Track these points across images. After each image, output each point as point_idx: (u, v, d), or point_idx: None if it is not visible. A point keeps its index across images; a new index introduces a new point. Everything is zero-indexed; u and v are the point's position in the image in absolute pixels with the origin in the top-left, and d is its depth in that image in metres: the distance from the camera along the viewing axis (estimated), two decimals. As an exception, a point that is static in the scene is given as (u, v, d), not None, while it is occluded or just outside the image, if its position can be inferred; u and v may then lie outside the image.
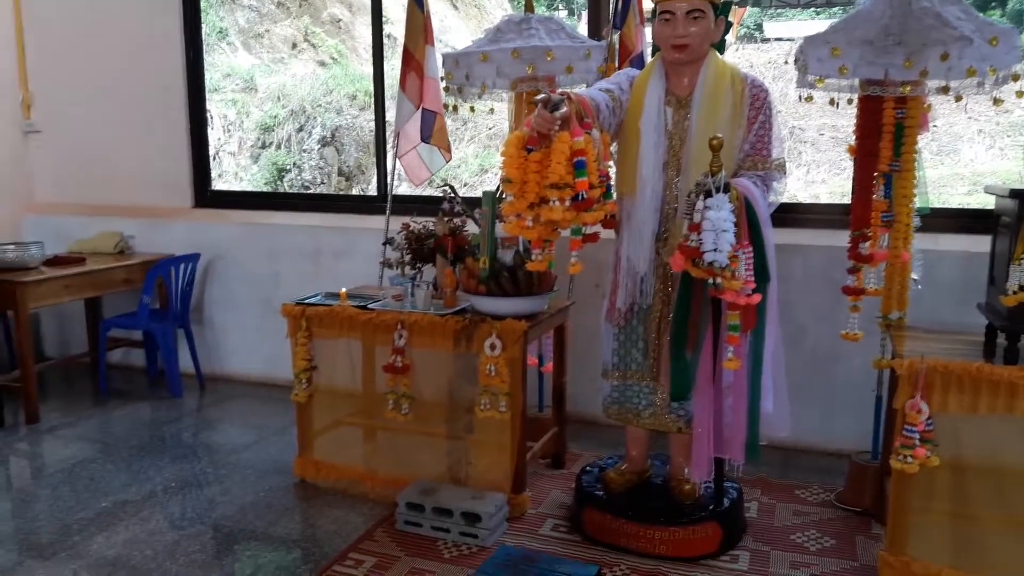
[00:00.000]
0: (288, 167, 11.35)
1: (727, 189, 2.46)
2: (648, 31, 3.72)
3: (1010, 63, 2.75)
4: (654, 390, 2.89)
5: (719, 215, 2.42)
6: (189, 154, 5.10)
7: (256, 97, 12.00)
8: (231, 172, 11.08)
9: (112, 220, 5.07)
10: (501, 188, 3.02)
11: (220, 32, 11.73)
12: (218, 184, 8.74)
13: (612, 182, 2.67)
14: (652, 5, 2.83)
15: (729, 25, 2.85)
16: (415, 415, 3.23)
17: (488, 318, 3.06)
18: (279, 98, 11.80)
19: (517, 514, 3.10)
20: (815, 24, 14.40)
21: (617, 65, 3.56)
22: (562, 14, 13.32)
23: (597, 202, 2.43)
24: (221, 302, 4.96)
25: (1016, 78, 2.77)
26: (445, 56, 3.61)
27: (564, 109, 2.37)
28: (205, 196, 5.18)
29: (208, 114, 5.24)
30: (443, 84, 3.70)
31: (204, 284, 4.95)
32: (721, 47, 2.91)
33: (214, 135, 10.45)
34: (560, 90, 2.63)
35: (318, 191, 10.73)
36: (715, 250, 2.40)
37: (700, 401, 2.68)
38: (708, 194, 2.45)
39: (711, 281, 2.44)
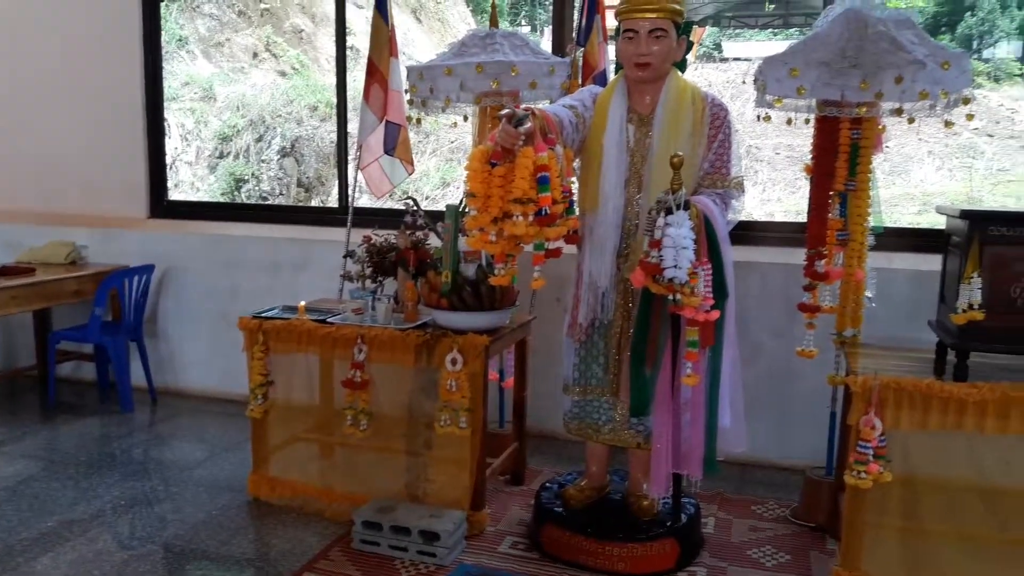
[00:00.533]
0: (246, 177, 11.23)
1: (687, 207, 2.48)
2: (611, 49, 3.76)
3: (961, 87, 2.82)
4: (614, 405, 2.89)
5: (679, 232, 2.44)
6: (145, 163, 5.01)
7: (215, 106, 11.86)
8: (188, 182, 10.93)
9: (64, 229, 4.94)
10: (464, 202, 3.01)
11: (180, 40, 11.58)
12: (174, 194, 8.61)
13: (575, 198, 2.68)
14: (616, 23, 2.86)
15: (691, 44, 2.88)
16: (373, 431, 3.19)
17: (449, 332, 3.04)
18: (238, 108, 11.69)
19: (476, 532, 3.08)
20: (772, 45, 14.70)
21: (580, 82, 3.58)
22: (525, 30, 13.42)
23: (560, 217, 2.43)
24: (176, 315, 4.86)
25: (966, 101, 2.85)
26: (410, 69, 3.60)
27: (528, 124, 2.37)
28: (161, 206, 5.09)
29: (165, 123, 5.15)
30: (407, 97, 3.68)
31: (158, 296, 4.85)
32: (683, 66, 2.94)
33: (171, 144, 10.29)
34: (524, 105, 2.64)
35: (276, 202, 10.62)
36: (675, 267, 2.42)
37: (659, 417, 2.70)
38: (669, 211, 2.48)
39: (671, 297, 2.46)
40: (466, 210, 2.72)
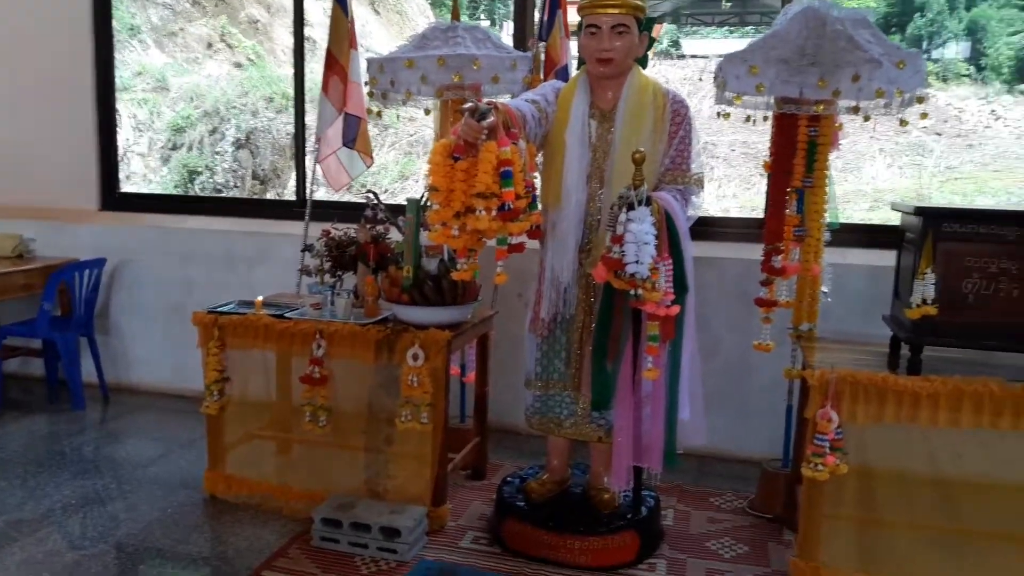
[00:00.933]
0: (200, 169, 11.03)
1: (649, 202, 2.50)
2: (573, 44, 3.76)
3: (915, 85, 2.88)
4: (575, 400, 2.90)
5: (641, 228, 2.45)
6: (97, 153, 4.89)
7: (168, 97, 11.61)
8: (140, 174, 10.69)
9: (10, 222, 4.79)
10: (426, 196, 2.99)
11: (131, 29, 11.31)
12: (126, 186, 8.39)
13: (537, 193, 2.68)
14: (578, 19, 2.86)
15: (652, 41, 2.89)
16: (332, 428, 3.15)
17: (411, 328, 3.02)
18: (192, 98, 11.46)
19: (437, 527, 3.06)
20: (728, 43, 14.86)
21: (542, 77, 3.58)
22: (484, 24, 13.35)
23: (523, 212, 2.43)
24: (128, 309, 4.75)
25: (920, 100, 2.91)
26: (370, 61, 3.56)
27: (491, 119, 2.36)
28: (113, 198, 4.96)
29: (117, 114, 5.02)
30: (367, 89, 3.64)
31: (110, 290, 4.74)
32: (644, 62, 2.95)
33: (123, 135, 10.05)
34: (487, 99, 2.62)
35: (231, 195, 10.45)
36: (637, 262, 2.44)
37: (620, 411, 2.71)
38: (631, 207, 2.49)
39: (632, 292, 2.47)
40: (428, 204, 2.70)
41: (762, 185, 10.39)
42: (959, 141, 10.59)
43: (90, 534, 3.03)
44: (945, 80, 12.53)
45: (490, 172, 2.34)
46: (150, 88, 11.49)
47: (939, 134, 10.43)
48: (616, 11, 2.73)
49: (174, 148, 11.24)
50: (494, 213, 2.36)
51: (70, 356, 4.33)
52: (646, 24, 2.83)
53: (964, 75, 12.70)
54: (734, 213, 8.70)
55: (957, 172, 9.96)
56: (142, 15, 12.21)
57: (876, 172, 10.01)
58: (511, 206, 2.36)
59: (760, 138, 10.87)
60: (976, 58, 13.86)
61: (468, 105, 2.41)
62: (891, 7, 13.78)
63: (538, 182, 2.83)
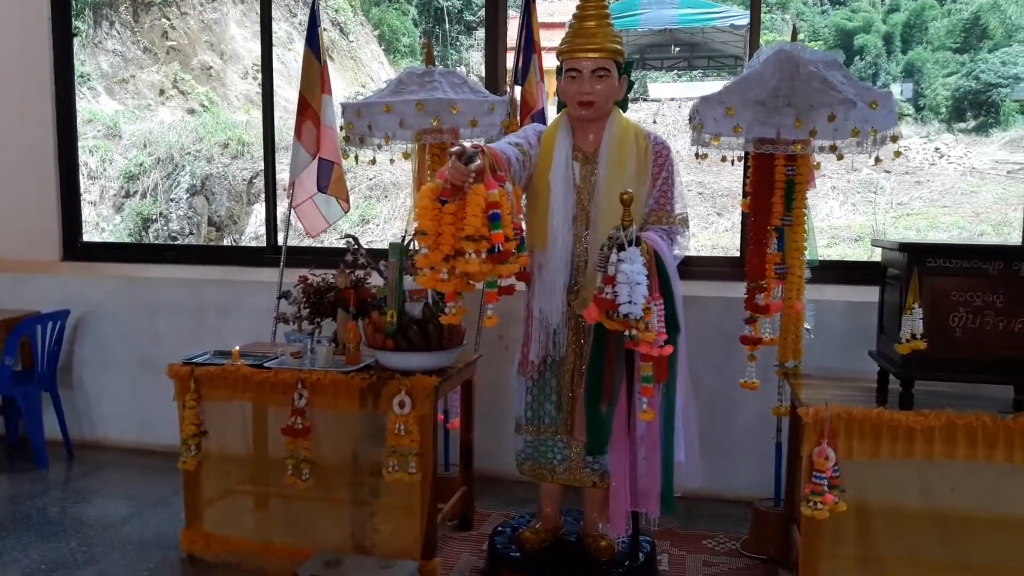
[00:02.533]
0: (154, 217, 10.85)
1: (638, 243, 2.49)
2: (546, 87, 3.79)
3: (888, 125, 2.96)
4: (568, 444, 2.86)
5: (632, 268, 2.44)
6: (57, 203, 4.76)
7: (120, 144, 11.45)
8: (92, 223, 10.47)
9: (-35, 274, 4.63)
10: (409, 239, 2.95)
11: (81, 76, 11.16)
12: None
13: (524, 234, 2.66)
14: (557, 63, 2.89)
15: (632, 84, 2.93)
16: (316, 480, 3.05)
17: (396, 374, 2.95)
18: (145, 145, 11.34)
19: (428, 581, 2.97)
20: (677, 86, 15.23)
21: (519, 120, 3.59)
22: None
23: (512, 255, 2.41)
24: (93, 363, 4.58)
25: (895, 139, 2.98)
26: (346, 106, 3.53)
27: (478, 162, 2.34)
28: (76, 248, 4.82)
29: (79, 161, 4.92)
30: (343, 134, 3.61)
31: (74, 343, 4.57)
32: (624, 105, 2.98)
33: (74, 183, 9.85)
34: (472, 143, 2.61)
35: (186, 242, 10.28)
36: (630, 302, 2.42)
37: (616, 455, 2.67)
38: (620, 247, 2.48)
39: (627, 333, 2.45)
40: (416, 248, 2.66)
41: (720, 224, 10.62)
42: (907, 178, 10.93)
43: (61, 602, 2.88)
44: (888, 120, 12.94)
45: (479, 215, 2.32)
46: (101, 135, 11.32)
47: (888, 172, 10.75)
48: (596, 55, 2.76)
49: (127, 195, 11.06)
50: (484, 256, 2.33)
51: (32, 412, 4.15)
52: (625, 68, 2.87)
53: (906, 115, 13.16)
54: (692, 252, 8.82)
55: (907, 208, 10.26)
56: (91, 63, 12.09)
57: (830, 209, 10.26)
58: (501, 248, 2.33)
59: (715, 178, 11.13)
60: (915, 99, 14.42)
61: (455, 148, 2.39)
62: (830, 50, 14.28)
63: (524, 224, 2.82)
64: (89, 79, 11.95)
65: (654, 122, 12.34)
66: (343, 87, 12.65)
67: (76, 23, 7.50)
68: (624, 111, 2.97)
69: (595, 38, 2.77)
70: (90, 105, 11.51)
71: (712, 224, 10.52)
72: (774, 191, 3.09)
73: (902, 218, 9.89)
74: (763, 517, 3.28)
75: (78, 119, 4.98)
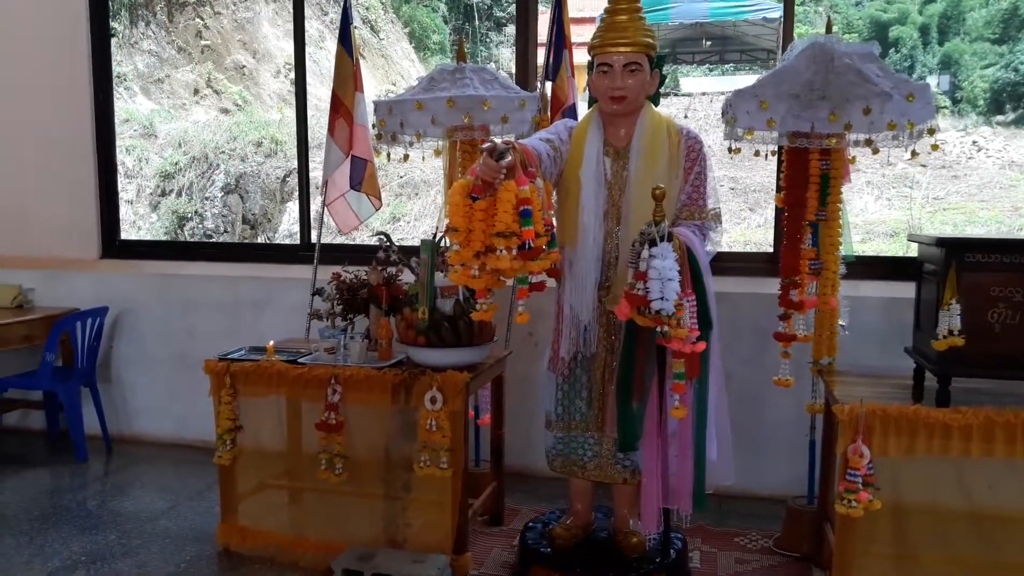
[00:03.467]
0: (189, 215, 11.00)
1: (670, 238, 2.48)
2: (577, 83, 3.78)
3: (925, 117, 2.90)
4: (599, 441, 2.86)
5: (664, 264, 2.43)
6: (96, 202, 4.85)
7: (156, 143, 11.62)
8: (128, 221, 10.65)
9: (9, 272, 4.73)
10: (441, 236, 2.97)
11: (118, 77, 11.35)
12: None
13: (555, 231, 2.66)
14: (588, 57, 2.88)
15: (664, 78, 2.90)
16: (349, 475, 3.08)
17: (428, 370, 2.97)
18: (180, 144, 11.48)
19: None
20: (709, 81, 15.10)
21: (550, 116, 3.59)
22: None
23: (543, 251, 2.41)
24: (131, 359, 4.67)
25: (932, 132, 2.92)
26: (378, 104, 3.56)
27: (509, 158, 2.34)
28: (114, 246, 4.91)
29: (117, 160, 5.00)
30: (375, 132, 3.64)
31: (112, 339, 4.66)
32: (656, 99, 2.96)
33: (112, 182, 10.03)
34: (503, 139, 2.62)
35: (221, 239, 10.40)
36: (662, 298, 2.40)
37: (648, 451, 2.66)
38: (652, 243, 2.47)
39: (658, 330, 2.44)
40: (447, 244, 2.68)
41: (752, 220, 10.51)
42: (944, 172, 10.72)
43: (101, 593, 2.94)
44: (925, 112, 12.70)
45: (510, 211, 2.33)
46: (137, 135, 11.50)
47: (924, 166, 10.56)
48: (628, 50, 2.74)
49: (163, 194, 11.22)
50: (515, 252, 2.34)
51: (72, 407, 4.24)
52: (657, 62, 2.85)
53: (942, 107, 12.91)
54: (724, 248, 8.75)
55: (944, 203, 10.06)
56: (128, 63, 12.27)
57: (864, 204, 10.10)
58: (531, 245, 2.33)
59: (748, 173, 11.01)
60: (952, 91, 14.14)
61: (487, 145, 2.40)
62: (865, 42, 14.08)
63: (555, 220, 2.82)
64: (126, 79, 12.13)
65: (685, 117, 12.22)
66: (374, 85, 12.71)
67: (113, 24, 7.63)
68: (656, 106, 2.95)
69: (627, 32, 2.74)
70: (127, 105, 11.68)
71: (744, 220, 10.40)
72: (808, 186, 3.06)
73: (938, 213, 9.70)
74: (796, 515, 3.25)
75: (115, 119, 5.06)
